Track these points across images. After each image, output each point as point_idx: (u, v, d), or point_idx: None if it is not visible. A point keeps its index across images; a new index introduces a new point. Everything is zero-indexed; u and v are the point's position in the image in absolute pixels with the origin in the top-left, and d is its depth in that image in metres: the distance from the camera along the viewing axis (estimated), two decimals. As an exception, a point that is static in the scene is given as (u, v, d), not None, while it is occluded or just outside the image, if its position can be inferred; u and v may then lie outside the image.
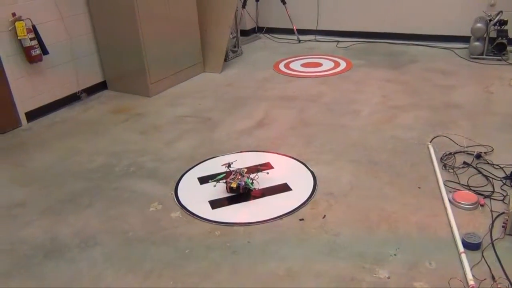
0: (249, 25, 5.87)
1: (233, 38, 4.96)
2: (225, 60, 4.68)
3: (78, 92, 3.90)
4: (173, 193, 2.44)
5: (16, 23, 3.24)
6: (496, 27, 4.39)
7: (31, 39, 3.32)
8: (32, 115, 3.53)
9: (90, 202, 2.40)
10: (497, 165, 2.50)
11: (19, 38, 3.28)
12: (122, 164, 2.79)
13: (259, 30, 6.01)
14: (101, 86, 4.11)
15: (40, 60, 3.44)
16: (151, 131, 3.24)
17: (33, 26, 3.35)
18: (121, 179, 2.62)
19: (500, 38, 4.38)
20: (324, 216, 2.17)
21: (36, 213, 2.33)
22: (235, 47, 5.03)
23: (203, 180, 2.54)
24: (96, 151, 2.99)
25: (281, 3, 5.45)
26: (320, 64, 4.59)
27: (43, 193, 2.52)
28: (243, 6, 5.48)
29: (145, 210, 2.31)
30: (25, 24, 3.27)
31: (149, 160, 2.82)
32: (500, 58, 4.39)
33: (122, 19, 3.70)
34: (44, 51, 3.45)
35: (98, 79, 4.08)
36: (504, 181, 2.34)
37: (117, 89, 4.09)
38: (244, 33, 5.72)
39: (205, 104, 3.70)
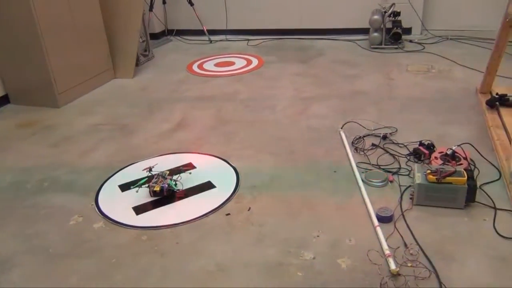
0: (158, 28, 5.78)
1: (143, 42, 4.86)
2: (137, 65, 4.58)
3: (-23, 108, 3.61)
4: (94, 203, 2.36)
5: None
6: (390, 18, 4.76)
7: None
8: None
9: (2, 224, 2.24)
10: (402, 143, 2.73)
11: None
12: (34, 180, 2.63)
13: (169, 32, 5.94)
14: (3, 100, 3.83)
15: None
16: (63, 143, 3.08)
17: None
18: (35, 195, 2.47)
19: (395, 28, 4.76)
20: (249, 208, 2.23)
21: None
22: (145, 51, 4.93)
23: (124, 187, 2.48)
24: (2, 169, 2.78)
25: (189, 5, 5.44)
26: (233, 63, 4.66)
27: None
28: (150, 9, 5.39)
29: (65, 224, 2.20)
30: None
31: (64, 173, 2.69)
32: (397, 46, 4.77)
33: (20, 30, 3.47)
34: None
35: (-2, 93, 3.80)
36: (408, 157, 2.57)
37: (21, 102, 3.82)
38: (154, 36, 5.63)
39: (119, 110, 3.60)
